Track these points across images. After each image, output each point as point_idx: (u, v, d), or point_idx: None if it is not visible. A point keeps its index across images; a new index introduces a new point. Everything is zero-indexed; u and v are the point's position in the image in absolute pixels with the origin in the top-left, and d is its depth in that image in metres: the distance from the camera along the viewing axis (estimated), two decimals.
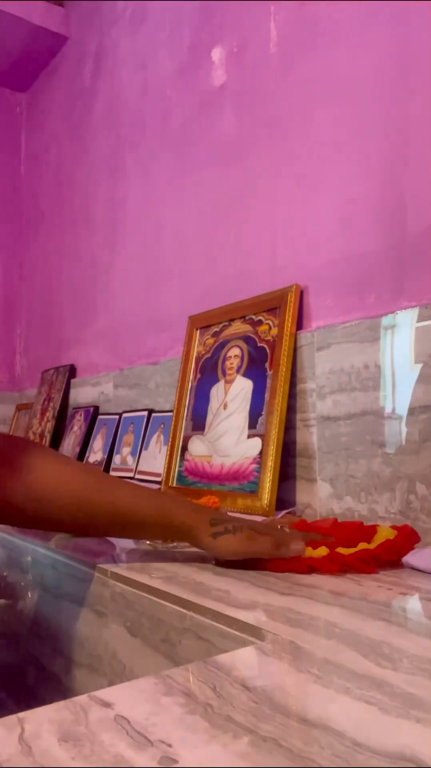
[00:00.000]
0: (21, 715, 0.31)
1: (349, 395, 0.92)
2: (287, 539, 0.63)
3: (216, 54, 1.32)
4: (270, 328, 1.08)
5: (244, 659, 0.40)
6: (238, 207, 1.24)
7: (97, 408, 1.70)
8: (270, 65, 1.17)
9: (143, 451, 1.39)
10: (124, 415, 1.53)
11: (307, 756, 0.27)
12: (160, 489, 1.16)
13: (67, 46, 2.10)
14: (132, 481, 1.34)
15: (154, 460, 1.33)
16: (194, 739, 0.28)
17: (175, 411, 1.25)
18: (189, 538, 0.63)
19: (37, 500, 0.61)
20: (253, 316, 1.13)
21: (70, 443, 1.72)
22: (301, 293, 1.06)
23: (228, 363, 1.16)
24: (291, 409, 1.01)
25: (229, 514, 0.80)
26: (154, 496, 0.64)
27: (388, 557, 0.65)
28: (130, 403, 1.55)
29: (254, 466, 1.01)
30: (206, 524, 0.61)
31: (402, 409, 0.83)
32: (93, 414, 1.69)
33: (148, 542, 0.83)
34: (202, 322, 1.27)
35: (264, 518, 0.92)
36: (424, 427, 0.80)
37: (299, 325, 1.05)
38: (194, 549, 0.76)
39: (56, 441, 1.82)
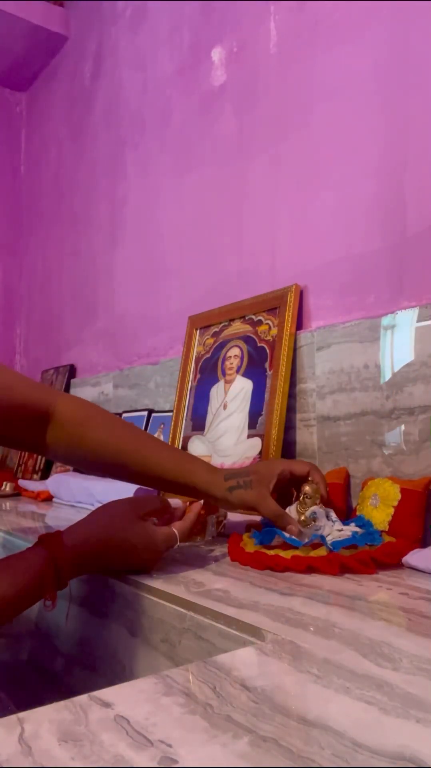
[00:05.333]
0: (21, 715, 0.31)
1: (349, 395, 0.92)
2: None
3: (217, 54, 1.32)
4: (270, 328, 1.08)
5: (244, 659, 0.40)
6: (238, 207, 1.24)
7: None
8: (270, 65, 1.17)
9: None
10: (124, 415, 1.52)
11: (307, 756, 0.27)
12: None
13: (67, 46, 2.10)
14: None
15: None
16: (194, 739, 0.28)
17: (174, 411, 1.25)
18: (206, 495, 0.73)
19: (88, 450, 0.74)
20: (253, 316, 1.13)
21: None
22: (301, 293, 1.06)
23: (228, 363, 1.16)
24: (291, 409, 1.01)
25: (235, 467, 0.89)
26: (177, 458, 0.75)
27: (388, 560, 0.65)
28: (129, 403, 1.55)
29: None
30: (221, 480, 0.72)
31: (402, 409, 0.83)
32: None
33: None
34: (201, 322, 1.27)
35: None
36: (424, 427, 0.80)
37: (299, 325, 1.05)
38: (194, 549, 0.76)
39: None
